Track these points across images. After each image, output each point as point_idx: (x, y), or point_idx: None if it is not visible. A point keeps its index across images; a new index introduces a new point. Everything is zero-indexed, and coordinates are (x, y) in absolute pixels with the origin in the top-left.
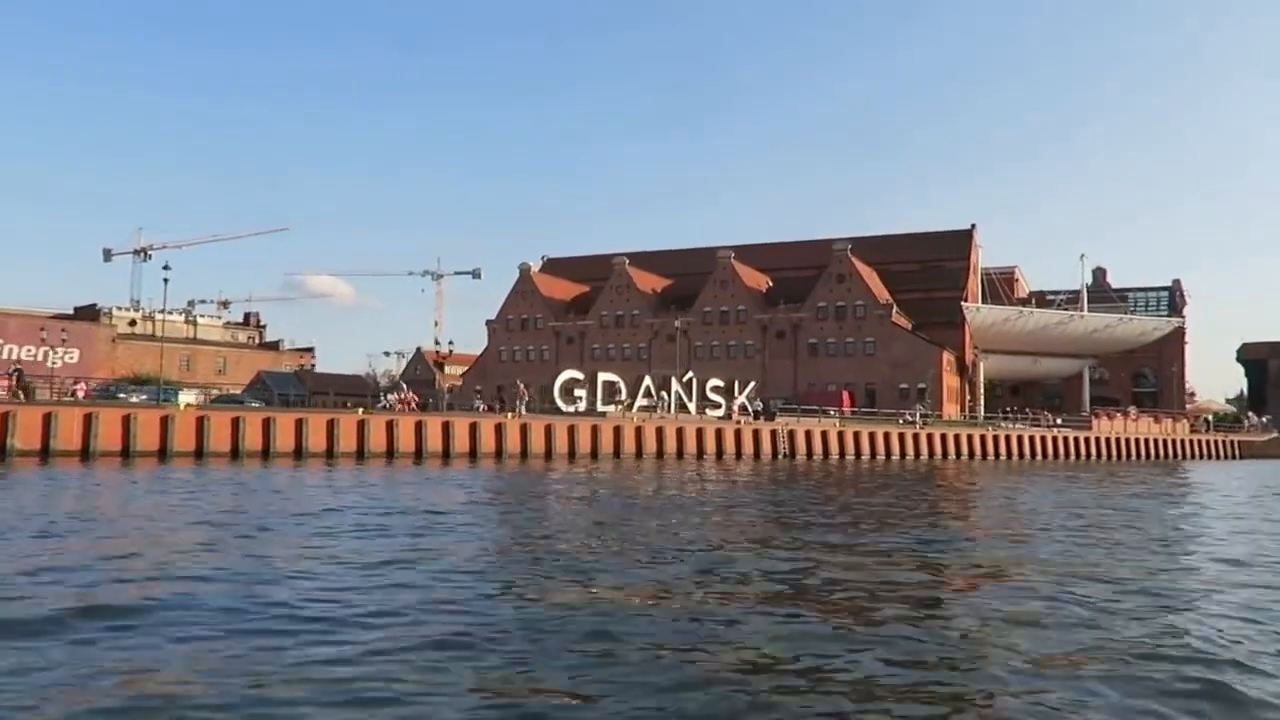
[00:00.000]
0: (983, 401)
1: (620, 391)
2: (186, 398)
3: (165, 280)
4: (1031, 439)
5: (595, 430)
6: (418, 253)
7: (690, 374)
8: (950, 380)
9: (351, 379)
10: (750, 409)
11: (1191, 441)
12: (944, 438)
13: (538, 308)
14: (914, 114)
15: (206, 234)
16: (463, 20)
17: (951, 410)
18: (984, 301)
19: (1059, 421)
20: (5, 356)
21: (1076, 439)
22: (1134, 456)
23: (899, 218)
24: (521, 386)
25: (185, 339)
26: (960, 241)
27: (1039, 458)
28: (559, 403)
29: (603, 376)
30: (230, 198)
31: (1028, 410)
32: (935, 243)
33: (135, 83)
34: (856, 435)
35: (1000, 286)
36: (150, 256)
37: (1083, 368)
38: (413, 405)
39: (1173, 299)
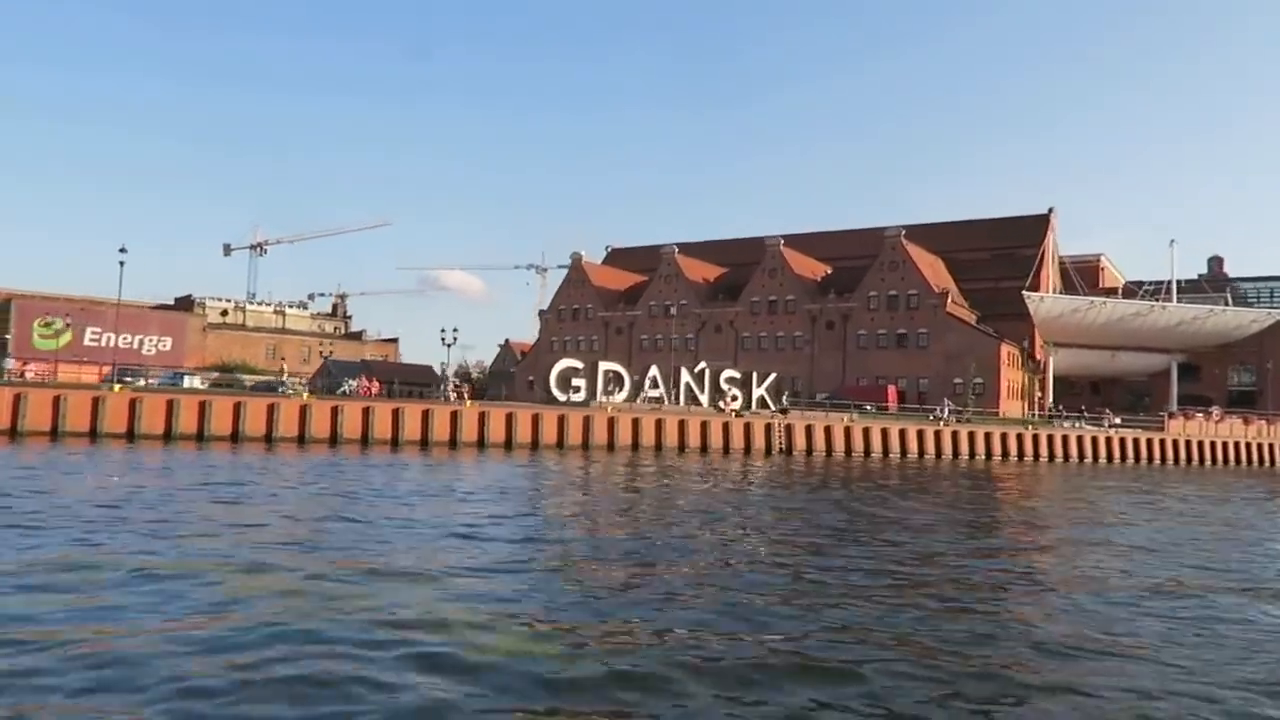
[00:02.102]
0: (1051, 398)
1: (623, 382)
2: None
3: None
4: (1079, 440)
5: (562, 420)
6: (527, 246)
7: (702, 364)
8: (1013, 375)
9: (421, 369)
10: (771, 402)
11: None
12: (972, 437)
13: (588, 298)
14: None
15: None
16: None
17: (1012, 407)
18: (1064, 292)
19: (1118, 421)
20: (104, 344)
21: (1139, 440)
22: (1216, 462)
23: (984, 204)
24: (453, 378)
25: (274, 329)
26: (1036, 227)
27: (1090, 460)
28: (554, 392)
29: (603, 366)
30: (339, 195)
31: (1096, 409)
32: (1008, 229)
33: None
34: (867, 432)
35: (1075, 276)
36: (265, 251)
37: (1169, 364)
38: (373, 392)
39: None
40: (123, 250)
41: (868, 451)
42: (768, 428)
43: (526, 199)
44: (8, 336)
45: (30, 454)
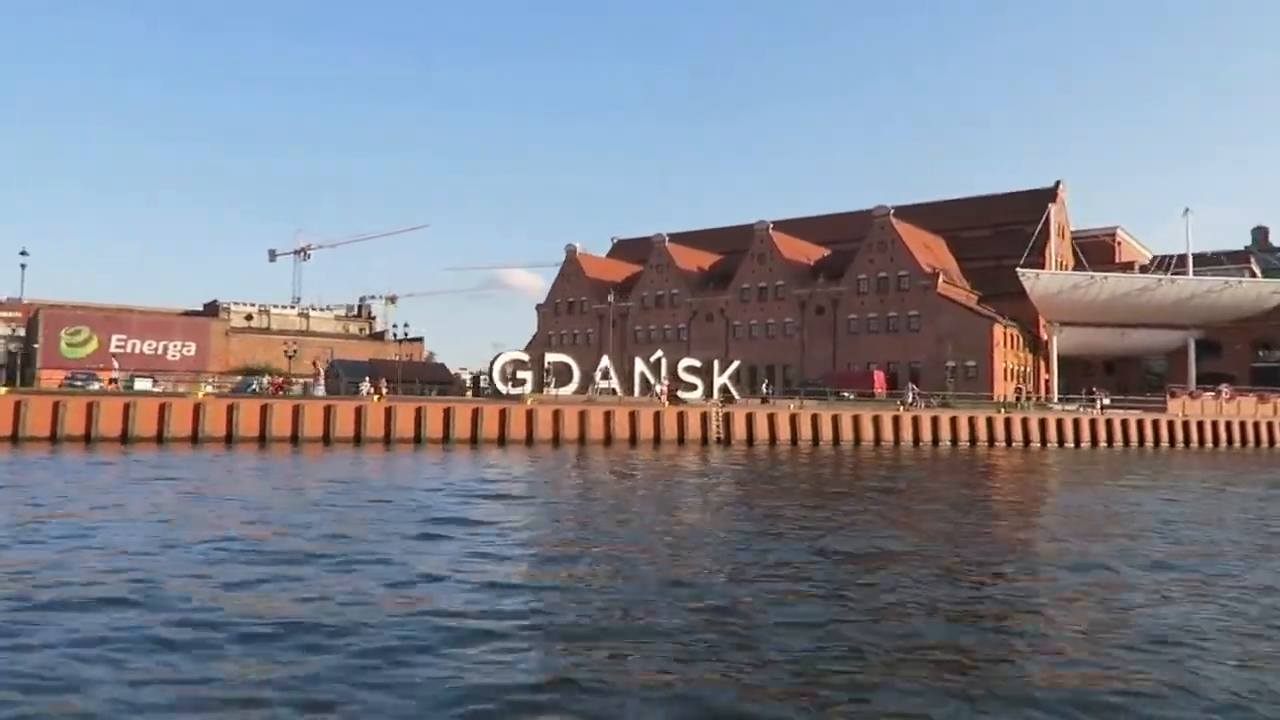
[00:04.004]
0: (1055, 379)
1: (572, 374)
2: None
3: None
4: (1059, 423)
5: (476, 414)
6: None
7: (658, 354)
8: (1011, 356)
9: (436, 368)
10: (734, 391)
11: None
12: (936, 422)
13: (583, 290)
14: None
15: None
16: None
17: (1008, 389)
18: (1078, 269)
19: (1107, 401)
20: (129, 350)
21: (1128, 422)
22: (1219, 443)
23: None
24: (320, 367)
25: (297, 331)
26: (1043, 202)
27: (1072, 445)
28: (497, 385)
29: (550, 358)
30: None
31: (1090, 390)
32: (1014, 204)
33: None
34: (816, 419)
35: (1079, 253)
36: (309, 256)
37: (1186, 340)
38: (279, 389)
39: None
40: (23, 254)
41: (816, 440)
42: (704, 417)
43: (576, 198)
44: (36, 346)
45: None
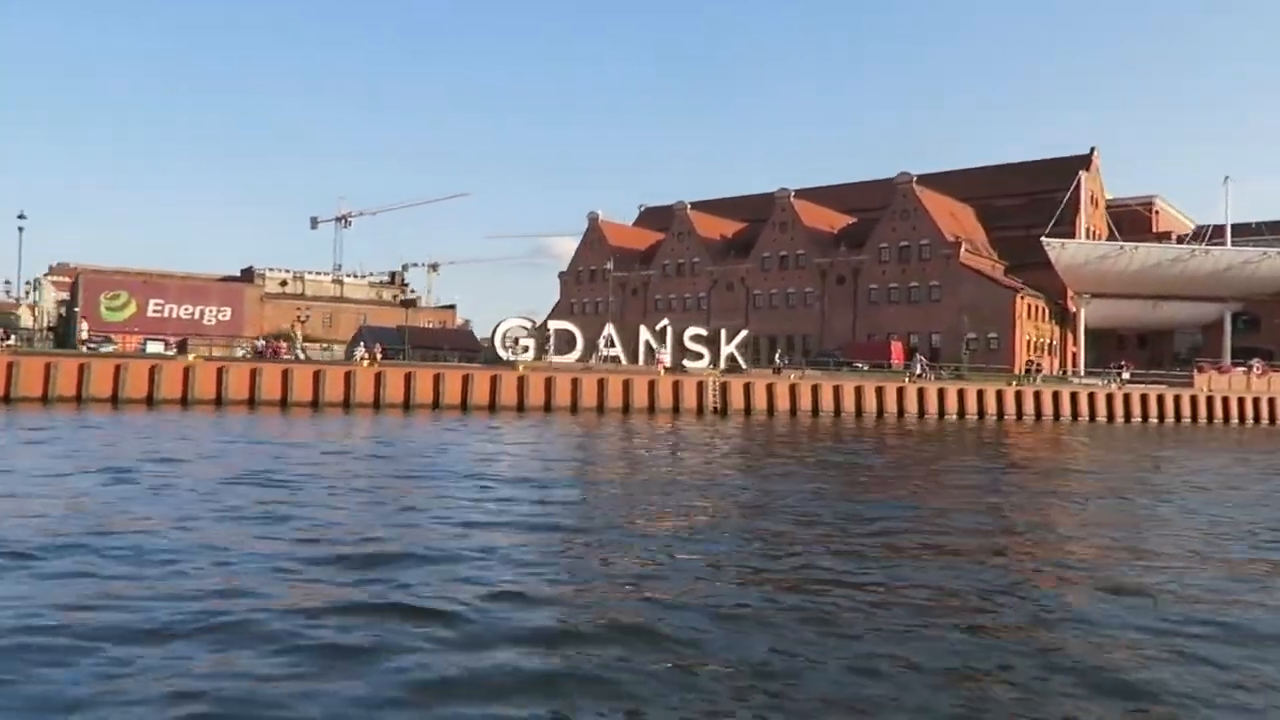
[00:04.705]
0: (1083, 352)
1: (576, 342)
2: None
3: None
4: (1074, 397)
5: (466, 380)
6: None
7: (665, 322)
8: (1035, 328)
9: (464, 334)
10: (741, 361)
11: None
12: (942, 395)
13: (605, 258)
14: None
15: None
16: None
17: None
18: (1110, 239)
19: (1126, 376)
20: (166, 315)
21: (1147, 397)
22: (1245, 420)
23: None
24: (296, 331)
25: (331, 297)
26: (1076, 170)
27: (1086, 419)
28: (499, 351)
29: (554, 325)
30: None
31: (1115, 364)
32: (1046, 172)
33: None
34: (816, 390)
35: (1117, 222)
36: (350, 223)
37: (1223, 313)
38: (274, 353)
39: None
40: (21, 217)
41: (816, 411)
42: (699, 386)
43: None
44: (76, 310)
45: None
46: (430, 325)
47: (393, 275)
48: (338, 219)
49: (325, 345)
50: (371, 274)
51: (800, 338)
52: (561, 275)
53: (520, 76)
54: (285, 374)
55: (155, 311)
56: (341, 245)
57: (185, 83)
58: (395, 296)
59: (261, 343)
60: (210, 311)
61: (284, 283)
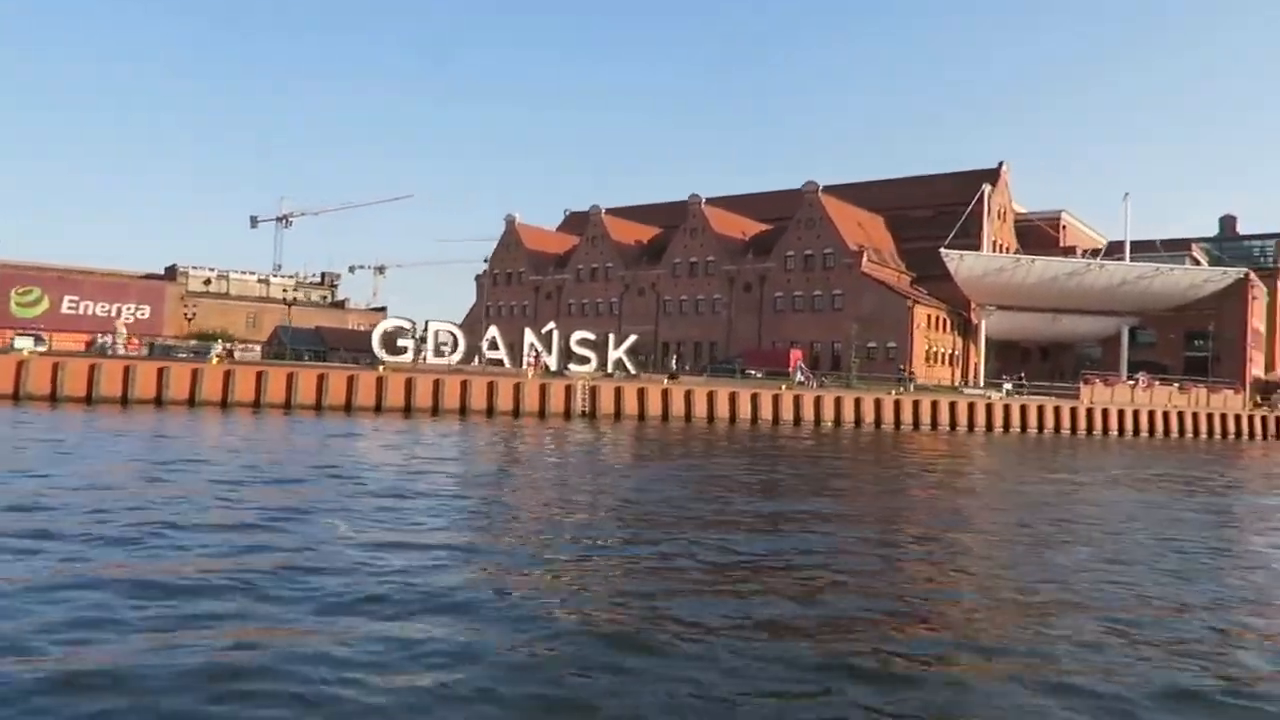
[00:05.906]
0: (983, 363)
1: (457, 343)
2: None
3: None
4: (952, 406)
5: (321, 379)
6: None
7: (550, 325)
8: (936, 339)
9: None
10: (630, 365)
11: (1241, 418)
12: (819, 402)
13: (521, 261)
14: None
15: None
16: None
17: (939, 373)
18: (1019, 252)
19: (1009, 387)
20: (81, 312)
21: (1026, 407)
22: (1124, 433)
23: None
24: (122, 326)
25: (257, 297)
26: (985, 182)
27: (965, 429)
28: (377, 352)
29: (434, 326)
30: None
31: (1017, 376)
32: (957, 185)
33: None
34: (689, 395)
35: (1025, 235)
36: (291, 223)
37: (1120, 327)
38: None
39: None
40: None
41: (688, 416)
42: (568, 390)
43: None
44: None
45: None
46: (359, 328)
47: (323, 276)
48: (278, 219)
49: (246, 345)
50: (298, 274)
51: (708, 344)
52: (478, 278)
53: (481, 74)
54: (127, 370)
55: (70, 308)
56: (282, 245)
57: (149, 78)
58: (324, 297)
59: (106, 338)
60: (128, 309)
61: (208, 281)
